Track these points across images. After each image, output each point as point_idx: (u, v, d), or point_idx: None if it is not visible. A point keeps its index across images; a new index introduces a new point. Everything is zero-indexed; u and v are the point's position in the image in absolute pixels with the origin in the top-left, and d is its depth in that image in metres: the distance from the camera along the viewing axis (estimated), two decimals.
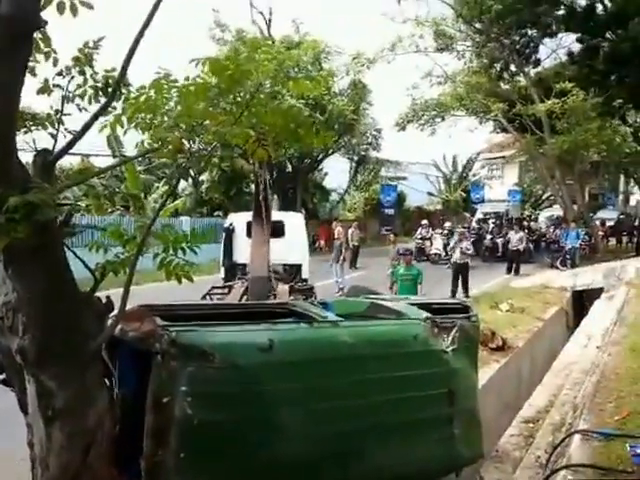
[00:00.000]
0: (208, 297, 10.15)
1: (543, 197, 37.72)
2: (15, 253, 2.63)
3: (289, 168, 30.12)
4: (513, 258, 20.70)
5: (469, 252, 15.67)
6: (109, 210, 26.38)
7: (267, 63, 2.74)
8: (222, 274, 12.08)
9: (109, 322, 3.11)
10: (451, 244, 19.87)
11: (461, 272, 15.12)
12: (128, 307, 3.11)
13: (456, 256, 15.50)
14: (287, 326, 3.89)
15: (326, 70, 27.65)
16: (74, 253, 2.93)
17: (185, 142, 2.88)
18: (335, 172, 34.80)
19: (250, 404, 3.46)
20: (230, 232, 12.15)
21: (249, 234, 10.39)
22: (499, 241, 24.64)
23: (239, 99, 2.80)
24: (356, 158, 34.05)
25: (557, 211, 29.61)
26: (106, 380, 3.19)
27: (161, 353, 3.29)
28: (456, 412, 4.28)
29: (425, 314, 4.41)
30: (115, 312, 3.24)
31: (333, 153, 31.74)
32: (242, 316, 4.19)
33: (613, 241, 29.95)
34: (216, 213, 28.00)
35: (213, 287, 10.49)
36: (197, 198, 29.04)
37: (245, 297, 9.17)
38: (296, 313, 4.22)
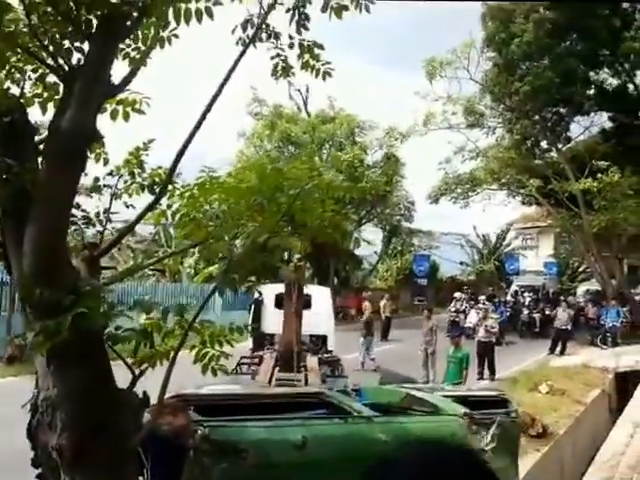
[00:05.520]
0: (238, 368, 10.26)
1: (579, 269, 36.85)
2: (57, 350, 2.67)
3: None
4: (559, 337, 19.20)
5: (494, 330, 15.01)
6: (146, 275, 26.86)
7: (308, 172, 2.85)
8: (250, 344, 12.26)
9: (145, 417, 3.11)
10: (474, 321, 19.14)
11: (486, 352, 14.31)
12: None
13: (481, 334, 14.77)
14: (320, 421, 3.84)
15: (359, 143, 28.39)
16: (114, 351, 2.97)
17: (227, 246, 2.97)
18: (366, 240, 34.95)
19: None
20: (259, 303, 12.55)
21: (277, 305, 10.90)
22: (536, 316, 24.05)
23: (282, 201, 2.90)
24: (388, 228, 34.19)
25: (595, 285, 28.84)
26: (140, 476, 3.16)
27: (194, 449, 3.28)
28: None
29: (462, 409, 4.30)
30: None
31: (365, 223, 32.01)
32: (275, 405, 4.16)
33: None
34: (250, 278, 28.07)
35: (242, 357, 10.65)
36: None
37: (277, 369, 9.26)
38: (329, 404, 4.17)
